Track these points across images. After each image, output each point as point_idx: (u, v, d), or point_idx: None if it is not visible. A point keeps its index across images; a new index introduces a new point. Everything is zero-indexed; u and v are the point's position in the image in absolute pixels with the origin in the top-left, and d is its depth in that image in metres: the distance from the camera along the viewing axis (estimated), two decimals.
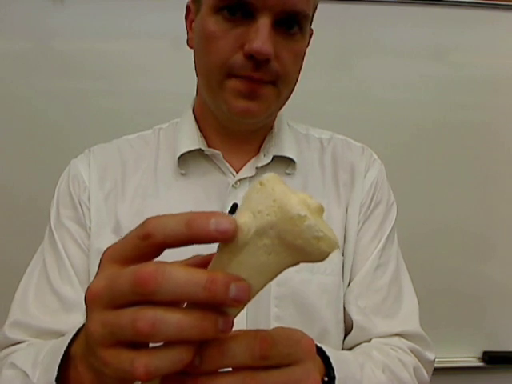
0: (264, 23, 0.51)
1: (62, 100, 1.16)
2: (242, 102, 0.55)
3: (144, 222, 0.28)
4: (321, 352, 0.44)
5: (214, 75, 0.55)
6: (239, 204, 0.59)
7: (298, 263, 0.29)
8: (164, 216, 0.28)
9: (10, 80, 1.15)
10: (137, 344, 0.28)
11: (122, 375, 0.28)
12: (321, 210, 0.28)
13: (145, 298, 0.26)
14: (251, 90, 0.54)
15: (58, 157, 1.13)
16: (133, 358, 0.27)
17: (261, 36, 0.51)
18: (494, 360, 1.33)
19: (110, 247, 0.31)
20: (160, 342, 0.27)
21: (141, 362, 0.26)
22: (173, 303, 0.27)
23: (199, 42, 0.57)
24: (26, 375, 0.45)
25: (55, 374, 0.38)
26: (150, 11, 1.16)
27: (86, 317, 0.30)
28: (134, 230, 0.29)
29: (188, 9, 0.61)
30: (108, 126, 1.14)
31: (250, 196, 0.28)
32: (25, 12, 1.14)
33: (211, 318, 0.27)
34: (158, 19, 1.16)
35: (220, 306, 0.27)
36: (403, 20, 1.24)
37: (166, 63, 1.17)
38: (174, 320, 0.26)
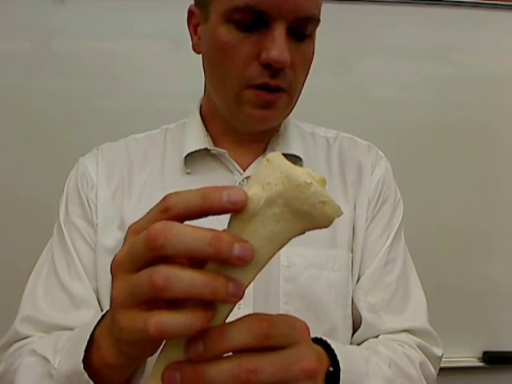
0: (280, 31, 0.51)
1: (62, 100, 1.16)
2: (259, 111, 0.56)
3: (164, 198, 0.30)
4: (326, 345, 0.44)
5: (230, 87, 0.56)
6: None
7: (304, 231, 0.31)
8: (182, 191, 0.30)
9: (10, 80, 1.15)
10: (154, 306, 0.29)
11: (136, 336, 0.30)
12: (324, 181, 0.30)
13: (156, 252, 0.28)
14: (268, 101, 0.55)
15: (58, 157, 1.14)
16: (146, 317, 0.29)
17: (278, 45, 0.51)
18: (494, 360, 1.33)
19: (134, 223, 0.33)
20: (173, 296, 0.28)
21: (153, 320, 0.28)
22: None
23: (211, 51, 0.56)
24: (47, 360, 0.46)
25: (82, 355, 0.40)
26: (150, 11, 1.16)
27: (112, 286, 0.32)
28: (155, 205, 0.31)
29: (191, 13, 0.61)
30: (108, 125, 1.15)
31: (258, 172, 0.31)
32: (25, 12, 1.14)
33: (222, 280, 0.29)
34: (158, 19, 1.17)
35: (226, 264, 0.29)
36: (403, 20, 1.24)
37: (166, 63, 1.17)
38: (186, 276, 0.28)
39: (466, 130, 1.28)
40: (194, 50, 0.62)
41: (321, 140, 0.69)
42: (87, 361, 0.40)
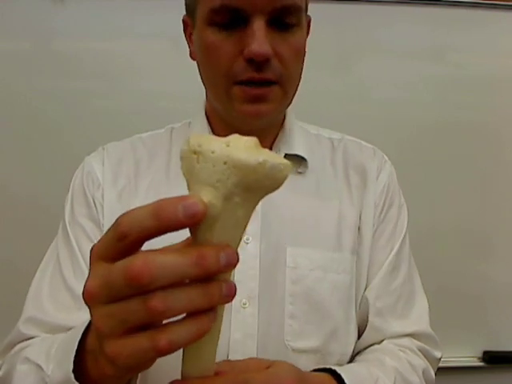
0: (258, 25, 0.52)
1: (62, 100, 1.16)
2: (250, 106, 0.56)
3: (117, 221, 0.28)
4: (337, 375, 0.47)
5: (220, 85, 0.56)
6: None
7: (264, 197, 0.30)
8: (134, 210, 0.28)
9: (9, 80, 1.15)
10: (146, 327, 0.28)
11: (138, 358, 0.28)
12: (258, 142, 0.30)
13: (142, 290, 0.27)
14: (256, 95, 0.55)
15: (58, 157, 1.14)
16: (152, 335, 0.28)
17: (257, 38, 0.52)
18: (494, 360, 1.33)
19: (95, 245, 0.31)
20: (173, 316, 0.28)
21: (162, 337, 0.28)
22: None
23: (200, 54, 0.58)
24: (40, 368, 0.46)
25: (71, 366, 0.39)
26: (150, 11, 1.16)
27: (91, 315, 0.30)
28: (110, 228, 0.29)
29: (185, 23, 0.62)
30: (108, 125, 1.15)
31: (193, 170, 0.29)
32: (25, 12, 1.14)
33: (215, 285, 0.29)
34: (158, 19, 1.17)
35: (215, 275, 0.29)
36: (402, 20, 1.24)
37: (165, 63, 1.17)
38: (183, 293, 0.28)
39: (466, 130, 1.28)
40: (191, 57, 0.63)
41: (325, 141, 0.69)
42: (82, 368, 0.39)
